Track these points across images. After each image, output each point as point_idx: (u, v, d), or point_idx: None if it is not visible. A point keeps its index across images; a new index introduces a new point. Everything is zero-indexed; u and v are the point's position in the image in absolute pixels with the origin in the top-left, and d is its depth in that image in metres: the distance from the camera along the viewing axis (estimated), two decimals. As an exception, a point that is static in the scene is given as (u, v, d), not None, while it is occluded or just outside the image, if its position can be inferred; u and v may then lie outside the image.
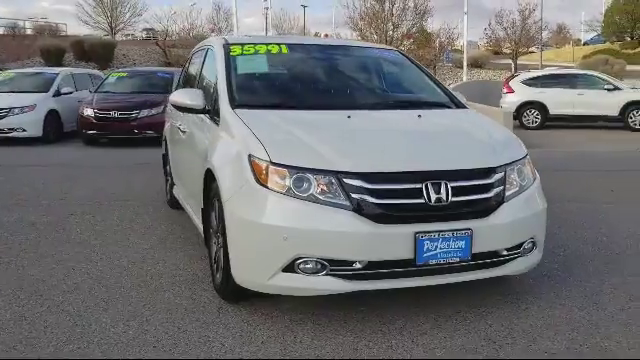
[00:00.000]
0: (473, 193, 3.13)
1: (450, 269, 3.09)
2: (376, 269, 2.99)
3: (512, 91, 16.44)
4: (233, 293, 3.39)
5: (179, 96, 4.09)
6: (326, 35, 49.10)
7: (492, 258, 3.20)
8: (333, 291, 3.02)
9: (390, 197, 2.98)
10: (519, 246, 3.31)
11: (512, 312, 3.38)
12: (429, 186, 3.02)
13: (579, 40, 71.90)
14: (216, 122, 3.82)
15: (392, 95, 4.48)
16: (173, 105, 4.15)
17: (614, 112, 15.66)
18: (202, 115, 4.08)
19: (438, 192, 3.02)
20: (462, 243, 3.03)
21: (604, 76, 16.98)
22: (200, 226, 4.10)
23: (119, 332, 3.11)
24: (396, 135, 3.52)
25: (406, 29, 30.53)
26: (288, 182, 3.01)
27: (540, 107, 16.07)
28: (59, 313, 3.36)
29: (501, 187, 3.23)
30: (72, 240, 4.91)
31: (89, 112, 11.93)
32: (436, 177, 3.05)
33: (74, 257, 4.42)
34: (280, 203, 3.00)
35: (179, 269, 4.13)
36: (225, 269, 3.32)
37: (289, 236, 2.94)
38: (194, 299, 3.57)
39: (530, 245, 3.39)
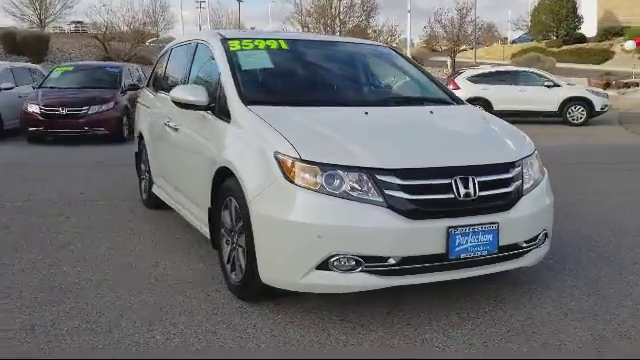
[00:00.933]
0: (497, 187, 3.20)
1: (478, 262, 3.15)
2: (410, 264, 3.01)
3: (458, 87, 16.83)
4: (256, 293, 3.33)
5: (180, 92, 3.95)
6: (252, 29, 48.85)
7: (513, 250, 3.29)
8: (368, 288, 3.02)
9: (421, 193, 3.01)
10: (535, 238, 3.42)
11: (527, 302, 3.49)
12: (458, 181, 3.07)
13: (505, 38, 74.87)
14: (224, 119, 3.72)
15: (399, 91, 4.50)
16: (174, 101, 4.00)
17: (554, 108, 16.37)
18: (203, 112, 3.97)
19: (466, 187, 3.07)
20: (490, 236, 3.10)
21: (544, 73, 17.73)
22: (204, 227, 4.00)
23: (146, 338, 2.99)
24: (418, 131, 3.56)
25: (353, 25, 30.82)
26: (319, 179, 2.98)
27: (485, 103, 16.51)
28: (73, 319, 3.20)
29: (519, 181, 3.32)
30: (55, 243, 4.68)
31: (34, 108, 11.37)
32: (464, 172, 3.10)
33: (64, 261, 4.21)
34: (313, 200, 2.97)
35: (181, 270, 4.02)
36: (248, 269, 3.25)
37: (323, 234, 2.92)
38: (210, 300, 3.48)
39: (543, 237, 3.51)
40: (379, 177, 2.97)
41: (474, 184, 3.09)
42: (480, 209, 3.12)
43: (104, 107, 11.68)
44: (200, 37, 4.74)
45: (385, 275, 3.00)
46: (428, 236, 2.99)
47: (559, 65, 36.33)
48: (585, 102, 16.29)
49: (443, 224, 3.00)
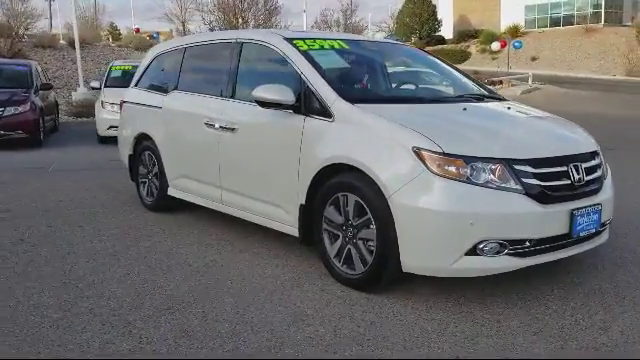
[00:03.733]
0: (593, 172, 3.64)
1: (588, 238, 3.57)
2: (542, 245, 3.34)
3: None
4: (385, 283, 3.47)
5: (267, 92, 3.92)
6: (137, 30, 46.72)
7: (602, 228, 3.75)
8: (511, 268, 3.30)
9: (549, 180, 3.35)
10: (610, 218, 3.90)
11: (592, 279, 3.85)
12: (571, 168, 3.46)
13: (368, 39, 78.30)
14: (319, 118, 3.77)
15: (465, 88, 4.75)
16: (259, 101, 3.98)
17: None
18: (281, 111, 3.98)
19: (578, 173, 3.47)
20: (596, 216, 3.53)
21: (440, 72, 19.07)
22: (279, 224, 4.13)
23: (310, 333, 3.03)
24: (521, 125, 3.90)
25: (256, 24, 30.61)
26: (465, 171, 3.20)
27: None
28: (218, 323, 3.14)
29: (602, 167, 3.80)
30: (102, 252, 4.41)
31: (-60, 112, 10.22)
32: (575, 160, 3.51)
33: (138, 271, 4.00)
34: (462, 191, 3.19)
35: (269, 268, 4.00)
36: (378, 260, 3.39)
37: (475, 221, 3.15)
38: (331, 294, 3.54)
39: (612, 217, 4.01)
40: (516, 167, 3.27)
41: (582, 170, 3.50)
42: (586, 192, 3.53)
43: (20, 109, 10.80)
44: (245, 36, 4.69)
45: (522, 256, 3.31)
46: (557, 218, 3.34)
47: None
48: (480, 99, 17.78)
49: (567, 207, 3.37)
